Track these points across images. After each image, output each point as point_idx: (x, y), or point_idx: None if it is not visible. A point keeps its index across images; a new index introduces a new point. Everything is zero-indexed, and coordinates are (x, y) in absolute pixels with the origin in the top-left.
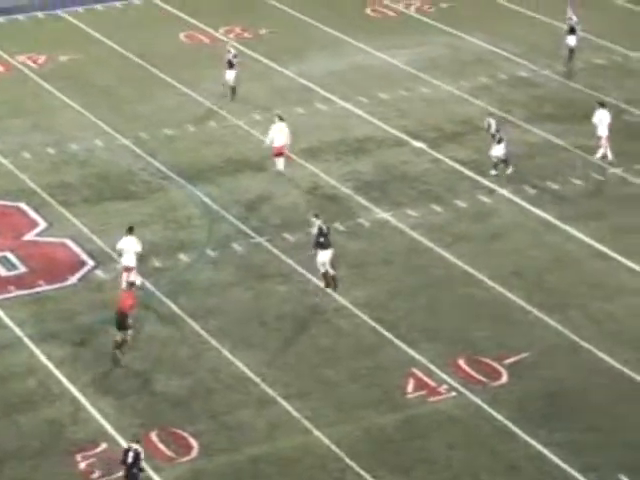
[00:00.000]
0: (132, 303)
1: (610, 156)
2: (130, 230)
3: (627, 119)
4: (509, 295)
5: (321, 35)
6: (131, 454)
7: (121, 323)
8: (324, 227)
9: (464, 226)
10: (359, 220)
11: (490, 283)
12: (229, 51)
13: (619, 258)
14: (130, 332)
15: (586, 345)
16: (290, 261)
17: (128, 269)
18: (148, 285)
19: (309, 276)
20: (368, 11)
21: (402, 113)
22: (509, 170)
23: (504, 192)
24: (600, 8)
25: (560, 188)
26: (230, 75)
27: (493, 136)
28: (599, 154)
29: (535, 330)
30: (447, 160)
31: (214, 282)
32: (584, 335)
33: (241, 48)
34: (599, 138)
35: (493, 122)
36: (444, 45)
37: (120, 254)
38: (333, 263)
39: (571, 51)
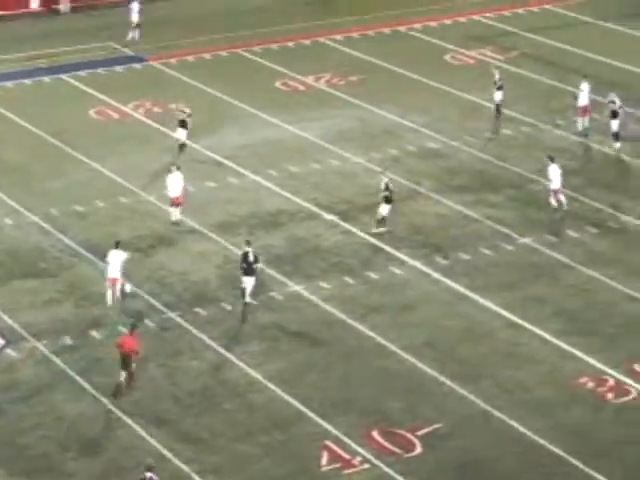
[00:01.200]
0: (135, 346)
1: (564, 204)
2: (117, 245)
3: (532, 188)
4: (422, 366)
5: (231, 109)
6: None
7: (125, 363)
8: (251, 256)
9: (376, 298)
10: (272, 293)
11: (403, 354)
12: (183, 111)
13: (529, 327)
14: (124, 374)
15: (498, 414)
16: (203, 336)
17: (114, 281)
18: (59, 362)
19: (223, 351)
20: (278, 85)
21: (313, 186)
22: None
23: (416, 263)
24: (509, 79)
25: (471, 258)
26: (182, 134)
27: (386, 198)
28: (554, 202)
29: (448, 401)
30: (359, 232)
31: None
32: (496, 404)
33: (150, 123)
34: (554, 192)
35: (384, 180)
36: (354, 118)
37: (106, 267)
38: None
39: (497, 107)
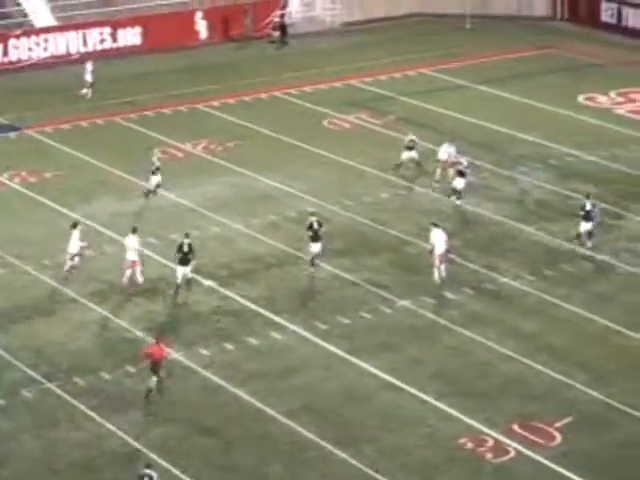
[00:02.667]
0: (163, 353)
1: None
2: (134, 230)
3: (409, 251)
4: (302, 431)
5: (109, 177)
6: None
7: (154, 370)
8: (185, 245)
9: (256, 363)
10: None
11: (283, 419)
12: (155, 160)
13: (409, 389)
14: (154, 379)
15: (379, 478)
16: (82, 406)
17: (133, 263)
18: None
19: (102, 420)
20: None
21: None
22: None
23: (295, 328)
24: (384, 143)
25: (351, 322)
26: (155, 179)
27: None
28: (436, 275)
29: (329, 465)
30: (238, 298)
31: (3, 431)
32: (377, 468)
33: (25, 192)
34: (439, 257)
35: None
36: (233, 184)
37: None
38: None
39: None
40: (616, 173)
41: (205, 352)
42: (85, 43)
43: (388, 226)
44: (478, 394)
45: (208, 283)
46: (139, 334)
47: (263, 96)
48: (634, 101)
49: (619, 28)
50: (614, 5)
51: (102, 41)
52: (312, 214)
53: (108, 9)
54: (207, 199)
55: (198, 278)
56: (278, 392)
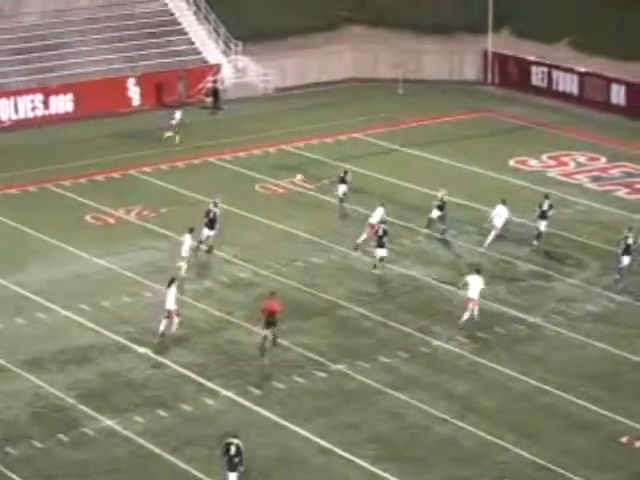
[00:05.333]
0: (279, 307)
1: (476, 314)
2: (190, 230)
3: (343, 315)
4: None
5: (39, 244)
6: (233, 448)
7: (270, 322)
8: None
9: (190, 430)
10: (83, 429)
11: None
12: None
13: (343, 454)
14: (268, 332)
15: None
16: (14, 475)
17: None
18: None
19: None
20: (88, 218)
21: (125, 320)
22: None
23: (229, 394)
24: (317, 208)
25: (285, 387)
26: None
27: None
28: (465, 317)
29: None
30: (172, 364)
31: None
32: None
33: None
34: (472, 301)
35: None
36: (165, 250)
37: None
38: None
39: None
40: (547, 235)
41: (139, 419)
42: (17, 110)
43: (321, 290)
44: (412, 458)
45: (142, 350)
46: (71, 402)
47: (196, 161)
48: (565, 164)
49: (549, 92)
50: (544, 69)
51: (34, 108)
52: (190, 230)
53: (40, 76)
54: (140, 265)
55: (132, 345)
56: (212, 459)
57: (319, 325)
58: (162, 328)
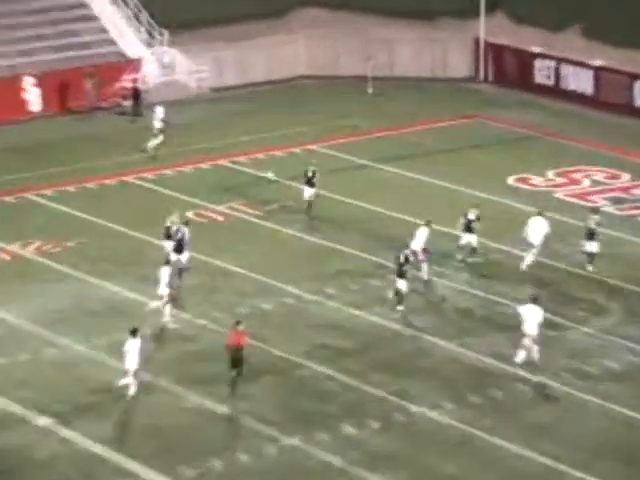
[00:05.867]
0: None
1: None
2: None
3: (299, 375)
4: None
5: None
6: (402, 256)
7: (236, 360)
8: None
9: None
10: None
11: None
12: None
13: None
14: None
15: None
16: None
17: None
18: None
19: None
20: None
21: (21, 382)
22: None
23: (152, 475)
24: (265, 239)
25: (224, 466)
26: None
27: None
28: (520, 357)
29: None
30: (82, 439)
31: None
32: None
33: None
34: (529, 338)
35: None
36: (72, 293)
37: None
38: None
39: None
40: (554, 272)
41: None
42: None
43: (271, 344)
44: None
45: (44, 421)
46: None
47: (110, 182)
48: (576, 182)
49: (557, 91)
50: (551, 63)
51: None
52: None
53: None
54: (41, 313)
55: (31, 415)
56: None
57: (269, 388)
58: (132, 392)
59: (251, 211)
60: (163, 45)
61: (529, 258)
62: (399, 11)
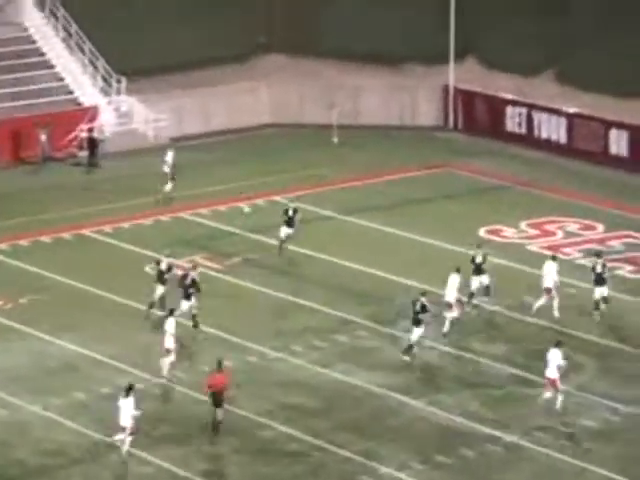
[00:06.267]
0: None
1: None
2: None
3: (263, 436)
4: None
5: None
6: (418, 304)
7: (218, 402)
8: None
9: None
10: None
11: None
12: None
13: None
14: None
15: None
16: None
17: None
18: None
19: None
20: None
21: None
22: None
23: None
24: (226, 294)
25: None
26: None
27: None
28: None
29: None
30: None
31: None
32: None
33: None
34: (552, 382)
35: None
36: (26, 352)
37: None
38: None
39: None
40: (527, 327)
41: None
42: None
43: (234, 403)
44: None
45: None
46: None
47: (66, 236)
48: (551, 234)
49: (530, 139)
50: (522, 110)
51: None
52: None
53: None
54: None
55: None
56: None
57: (230, 450)
58: (125, 449)
59: (213, 265)
60: (120, 93)
61: (539, 303)
62: (365, 57)
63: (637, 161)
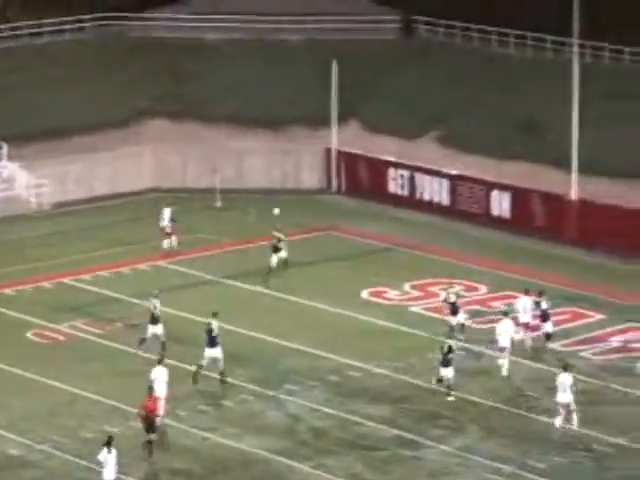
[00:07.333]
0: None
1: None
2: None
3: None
4: None
5: None
6: (445, 346)
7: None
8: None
9: None
10: None
11: None
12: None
13: None
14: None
15: None
16: None
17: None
18: None
19: None
20: None
21: None
22: None
23: None
24: (108, 359)
25: None
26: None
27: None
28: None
29: None
30: None
31: None
32: None
33: None
34: (564, 406)
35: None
36: None
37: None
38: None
39: None
40: (412, 389)
41: None
42: None
43: (120, 470)
44: None
45: None
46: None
47: None
48: (434, 295)
49: (412, 201)
50: (404, 172)
51: None
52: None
53: None
54: None
55: None
56: None
57: None
58: None
59: (94, 330)
60: (2, 159)
61: (506, 365)
62: (247, 120)
63: (519, 222)
